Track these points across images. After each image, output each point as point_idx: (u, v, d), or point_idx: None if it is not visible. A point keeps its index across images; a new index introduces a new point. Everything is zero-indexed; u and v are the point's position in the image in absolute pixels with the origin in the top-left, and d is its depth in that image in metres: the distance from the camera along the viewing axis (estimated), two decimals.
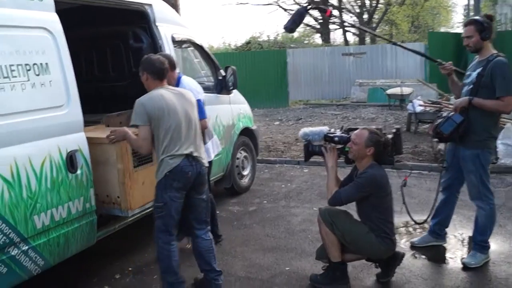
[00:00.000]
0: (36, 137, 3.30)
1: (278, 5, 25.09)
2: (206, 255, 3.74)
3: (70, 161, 3.54)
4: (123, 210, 3.92)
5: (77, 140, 3.63)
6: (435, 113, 8.98)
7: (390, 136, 3.79)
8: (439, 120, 4.14)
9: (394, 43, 5.97)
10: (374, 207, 3.66)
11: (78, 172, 3.62)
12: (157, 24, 4.91)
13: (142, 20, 4.90)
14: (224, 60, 16.33)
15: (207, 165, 3.78)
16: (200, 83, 6.02)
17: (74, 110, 3.63)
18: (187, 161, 3.51)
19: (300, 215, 5.61)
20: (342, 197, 3.65)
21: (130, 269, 4.38)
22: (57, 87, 3.50)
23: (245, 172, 6.71)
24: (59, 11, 3.64)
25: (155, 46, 4.89)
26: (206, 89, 5.82)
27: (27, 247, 3.23)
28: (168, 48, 4.95)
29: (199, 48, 5.82)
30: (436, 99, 11.44)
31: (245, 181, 6.69)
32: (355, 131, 3.75)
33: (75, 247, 3.66)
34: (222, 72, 5.97)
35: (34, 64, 3.33)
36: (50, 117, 3.43)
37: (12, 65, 3.17)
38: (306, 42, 29.38)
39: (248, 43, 22.26)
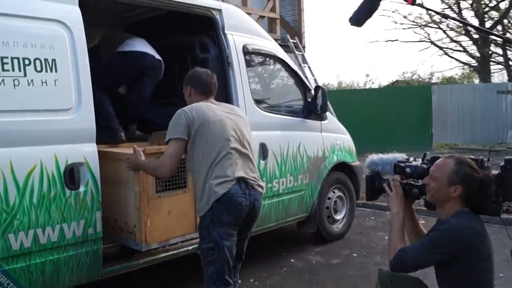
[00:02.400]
0: (25, 142, 2.83)
1: (431, 42, 22.21)
2: None
3: (70, 174, 3.00)
4: (137, 242, 3.24)
5: (84, 152, 3.09)
6: None
7: (495, 172, 2.50)
8: None
9: None
10: (460, 280, 2.37)
11: (81, 189, 3.06)
12: (226, 32, 4.28)
13: (210, 28, 4.33)
14: (358, 96, 15.31)
15: (262, 192, 3.00)
16: (282, 105, 5.31)
17: (84, 116, 3.11)
18: (239, 188, 2.79)
19: None
20: (408, 259, 2.42)
21: None
22: (64, 87, 3.02)
23: (338, 217, 5.58)
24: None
25: (222, 57, 4.26)
26: (291, 112, 5.02)
27: None
28: (236, 60, 4.28)
29: (283, 64, 5.02)
30: None
31: (337, 227, 5.55)
32: (437, 161, 2.55)
33: (68, 279, 3.06)
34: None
35: (36, 59, 2.90)
36: (49, 120, 2.95)
37: (5, 57, 2.77)
38: (465, 82, 26.19)
39: (395, 82, 20.72)
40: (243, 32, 4.50)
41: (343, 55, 63.46)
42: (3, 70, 2.75)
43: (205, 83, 3.06)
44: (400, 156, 2.79)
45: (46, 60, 2.94)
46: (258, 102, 4.59)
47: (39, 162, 2.87)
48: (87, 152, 3.10)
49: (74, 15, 3.14)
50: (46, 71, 2.94)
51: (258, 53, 4.79)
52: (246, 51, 4.45)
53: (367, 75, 29.57)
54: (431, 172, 2.46)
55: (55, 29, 3.03)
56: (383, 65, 50.52)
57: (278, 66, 5.07)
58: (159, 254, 3.55)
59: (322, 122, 5.25)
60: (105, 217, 3.38)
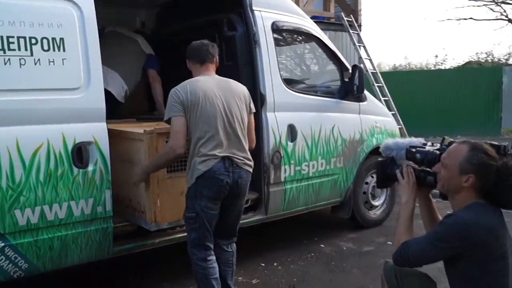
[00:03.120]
0: (31, 121, 2.87)
1: (509, 20, 20.16)
2: (223, 268, 3.16)
3: (78, 153, 3.02)
4: (147, 221, 3.23)
5: (93, 131, 3.09)
6: None
7: None
8: None
9: None
10: (469, 280, 2.13)
11: (90, 168, 3.07)
12: (253, 8, 4.11)
13: (238, 5, 4.18)
14: (424, 77, 14.43)
15: (250, 171, 3.11)
16: (315, 85, 5.08)
17: (93, 95, 3.10)
18: (222, 166, 2.92)
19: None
20: (410, 253, 2.20)
21: None
22: (72, 66, 3.03)
23: (377, 202, 5.30)
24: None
25: (249, 35, 4.11)
26: (326, 93, 4.80)
27: (2, 244, 2.80)
28: (264, 38, 4.11)
29: (319, 42, 4.77)
30: None
31: (375, 214, 5.28)
32: (450, 147, 2.27)
33: (77, 256, 3.11)
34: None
35: (44, 38, 2.92)
36: (56, 99, 2.97)
37: (12, 36, 2.80)
38: None
39: (467, 63, 19.37)
40: (272, 8, 4.31)
41: (413, 35, 60.49)
42: (9, 49, 2.79)
43: (196, 50, 3.12)
44: (417, 140, 2.54)
45: (53, 39, 2.95)
46: (288, 82, 4.41)
47: (46, 140, 2.90)
48: (96, 131, 3.10)
49: None
50: (54, 50, 2.95)
51: (289, 30, 4.60)
52: (275, 29, 4.28)
53: (436, 56, 27.91)
54: (442, 159, 2.22)
55: (63, 7, 3.03)
56: (455, 45, 47.29)
57: (313, 44, 4.83)
58: (175, 234, 3.53)
59: (361, 103, 4.97)
60: (120, 196, 3.41)
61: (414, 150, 2.43)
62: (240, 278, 3.84)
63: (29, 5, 2.89)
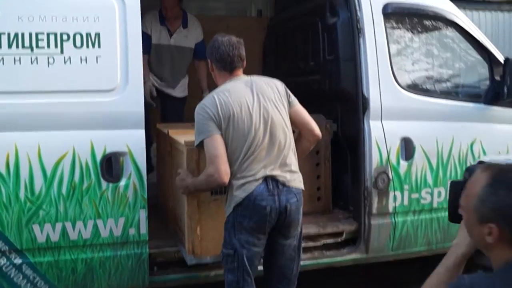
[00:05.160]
0: (56, 126, 2.58)
1: None
2: None
3: (108, 165, 2.63)
4: (186, 252, 2.68)
5: (128, 139, 2.68)
6: None
7: None
8: None
9: None
10: None
11: (121, 182, 2.66)
12: None
13: None
14: None
15: (303, 188, 2.52)
16: (448, 86, 3.86)
17: (130, 98, 2.69)
18: (265, 189, 2.35)
19: None
20: None
21: None
22: (107, 65, 2.66)
23: None
24: None
25: (352, 21, 3.26)
26: (465, 95, 3.65)
27: (20, 261, 2.57)
28: (371, 24, 3.22)
29: (457, 28, 3.59)
30: None
31: None
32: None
33: (106, 283, 2.72)
34: None
35: (77, 33, 2.61)
36: (86, 102, 2.63)
37: (41, 33, 2.55)
38: None
39: None
40: None
41: None
42: (37, 47, 2.54)
43: (224, 57, 2.49)
44: None
45: (88, 34, 2.62)
46: (406, 82, 3.41)
47: (72, 148, 2.58)
48: (131, 139, 2.68)
49: None
50: (87, 46, 2.62)
51: (412, 13, 3.50)
52: (389, 13, 3.31)
53: None
54: (462, 199, 1.48)
55: None
56: None
57: (448, 31, 3.65)
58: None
59: None
60: (172, 215, 2.95)
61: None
62: None
63: None
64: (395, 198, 3.25)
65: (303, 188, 2.52)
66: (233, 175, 2.37)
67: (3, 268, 2.54)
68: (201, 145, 2.39)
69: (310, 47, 3.81)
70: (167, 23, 3.90)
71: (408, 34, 3.52)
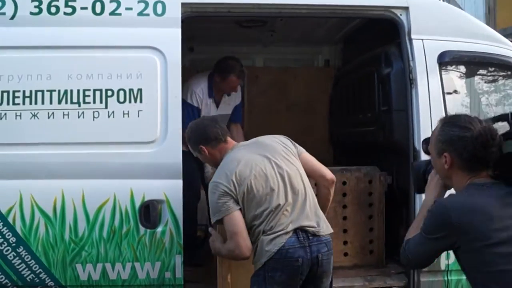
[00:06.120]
0: (100, 174, 2.79)
1: None
2: None
3: (146, 212, 2.81)
4: None
5: (166, 188, 2.83)
6: None
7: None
8: None
9: None
10: (469, 272, 1.80)
11: (159, 229, 2.83)
12: (412, 37, 3.17)
13: (396, 35, 3.29)
14: None
15: (332, 231, 2.54)
16: None
17: (169, 150, 2.85)
18: (296, 240, 2.36)
19: None
20: (408, 251, 1.90)
21: None
22: (148, 118, 2.84)
23: None
24: None
25: (404, 72, 3.20)
26: None
27: None
28: (425, 74, 3.14)
29: None
30: None
31: None
32: None
33: None
34: None
35: (120, 89, 2.81)
36: (128, 153, 2.82)
37: (88, 89, 2.79)
38: None
39: None
40: (444, 34, 3.23)
41: None
42: (84, 102, 2.78)
43: (213, 132, 2.58)
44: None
45: (131, 90, 2.82)
46: None
47: (113, 195, 2.79)
48: (168, 188, 2.83)
49: (171, 38, 2.89)
50: (130, 101, 2.82)
51: (472, 62, 3.38)
52: (445, 62, 3.22)
53: None
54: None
55: (145, 56, 2.87)
56: None
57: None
58: None
59: None
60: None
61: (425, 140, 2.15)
62: None
63: (110, 57, 2.85)
64: (448, 255, 3.09)
65: (331, 231, 2.52)
66: (262, 232, 2.38)
67: None
68: (220, 221, 2.42)
69: (367, 98, 3.79)
70: (215, 95, 3.83)
71: (468, 83, 3.35)
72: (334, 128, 4.69)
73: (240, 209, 2.38)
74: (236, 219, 2.37)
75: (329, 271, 2.49)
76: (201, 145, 2.60)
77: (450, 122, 1.86)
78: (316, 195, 2.60)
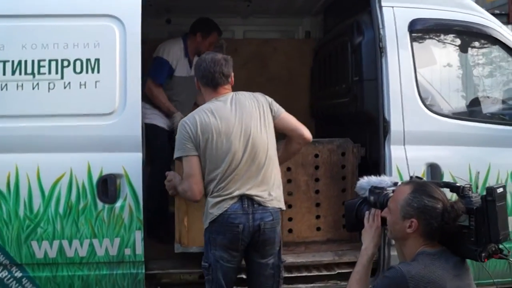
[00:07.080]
0: (55, 148, 2.69)
1: None
2: None
3: (104, 186, 2.70)
4: (176, 242, 2.81)
5: (125, 162, 2.73)
6: None
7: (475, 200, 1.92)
8: None
9: None
10: None
11: (117, 204, 2.72)
12: (382, 4, 3.06)
13: (368, 3, 3.18)
14: None
15: (282, 208, 2.57)
16: (486, 107, 3.46)
17: (127, 122, 2.74)
18: (239, 207, 2.42)
19: None
20: None
21: None
22: (106, 89, 2.73)
23: None
24: None
25: (375, 40, 3.08)
26: (505, 118, 3.30)
27: (20, 274, 2.71)
28: (394, 43, 3.03)
29: (499, 44, 3.19)
30: None
31: None
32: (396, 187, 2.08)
33: None
34: None
35: (77, 59, 2.71)
36: (84, 126, 2.72)
37: (43, 60, 2.68)
38: None
39: None
40: (415, 1, 3.12)
41: None
42: (39, 73, 2.68)
43: (206, 73, 2.51)
44: (388, 179, 2.26)
45: (88, 60, 2.72)
46: (434, 102, 3.12)
47: (69, 170, 2.69)
48: (128, 162, 2.73)
49: (131, 7, 2.78)
50: (87, 72, 2.71)
51: (444, 29, 3.25)
52: (416, 29, 3.11)
53: None
54: (388, 203, 2.04)
55: (103, 24, 2.76)
56: None
57: (487, 48, 3.26)
58: None
59: None
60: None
61: (372, 191, 2.16)
62: None
63: (66, 26, 2.73)
64: None
65: (282, 207, 2.53)
66: (210, 193, 2.43)
67: (5, 281, 2.70)
68: (179, 158, 2.48)
69: (342, 69, 3.67)
70: (190, 55, 3.77)
71: (441, 52, 3.22)
72: (314, 100, 4.57)
73: (199, 156, 2.41)
74: (194, 163, 2.42)
75: (273, 240, 2.49)
76: (197, 79, 2.59)
77: (421, 190, 1.91)
78: (285, 148, 2.64)
